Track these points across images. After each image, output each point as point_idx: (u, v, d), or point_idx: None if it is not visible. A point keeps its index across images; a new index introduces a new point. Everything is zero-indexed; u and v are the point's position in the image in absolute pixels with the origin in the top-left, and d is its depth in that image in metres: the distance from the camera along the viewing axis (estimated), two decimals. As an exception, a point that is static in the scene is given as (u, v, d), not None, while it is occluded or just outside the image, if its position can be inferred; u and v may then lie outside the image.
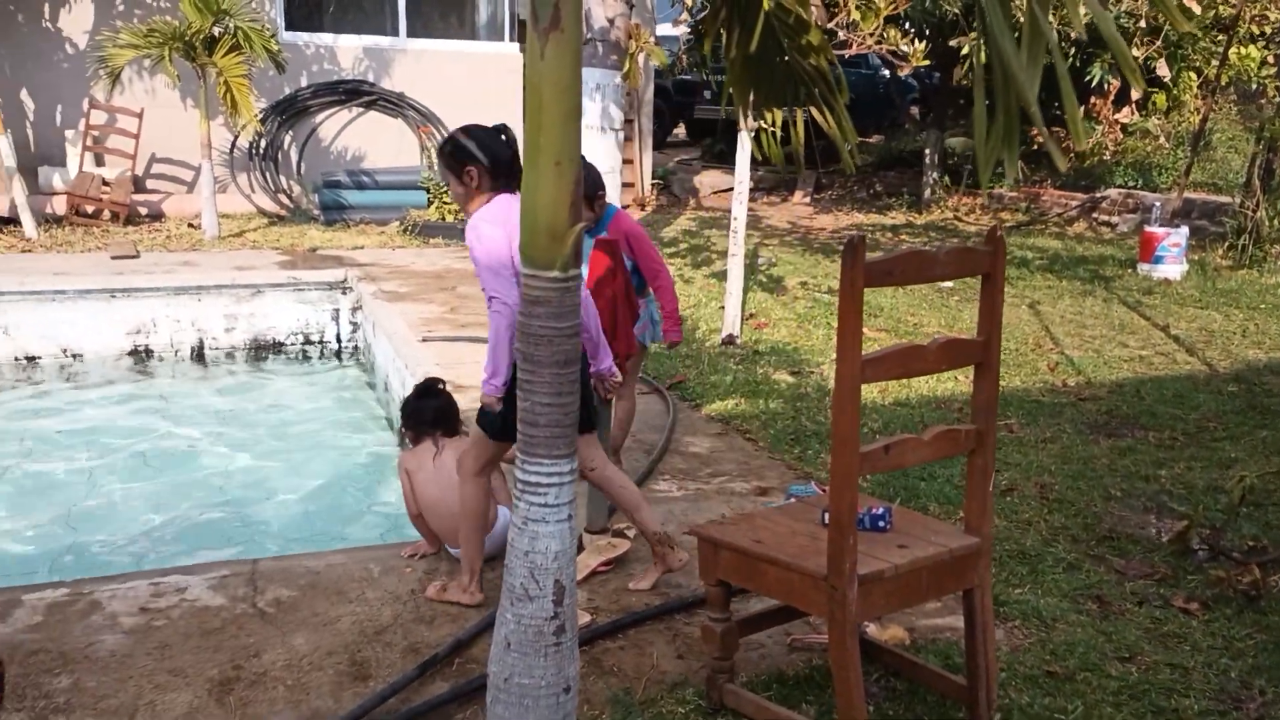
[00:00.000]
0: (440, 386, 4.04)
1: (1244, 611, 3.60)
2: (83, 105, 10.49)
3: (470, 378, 6.03)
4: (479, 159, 3.32)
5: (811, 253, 10.37)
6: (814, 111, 2.86)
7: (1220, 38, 11.81)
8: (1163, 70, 11.47)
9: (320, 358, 8.44)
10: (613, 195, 8.82)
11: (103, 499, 5.46)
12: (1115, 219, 11.91)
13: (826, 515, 2.69)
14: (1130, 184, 12.46)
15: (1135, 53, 11.33)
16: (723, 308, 6.99)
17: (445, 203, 10.48)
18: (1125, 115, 13.41)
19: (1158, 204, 9.98)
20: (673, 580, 3.75)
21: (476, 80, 11.69)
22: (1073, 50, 11.40)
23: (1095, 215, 12.14)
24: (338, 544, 4.69)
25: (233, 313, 8.33)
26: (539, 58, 2.03)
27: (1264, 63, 11.48)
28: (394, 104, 11.37)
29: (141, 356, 8.15)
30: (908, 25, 11.19)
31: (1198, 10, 9.02)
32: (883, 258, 2.52)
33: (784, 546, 2.81)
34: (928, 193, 13.10)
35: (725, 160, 6.84)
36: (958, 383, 6.23)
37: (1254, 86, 12.33)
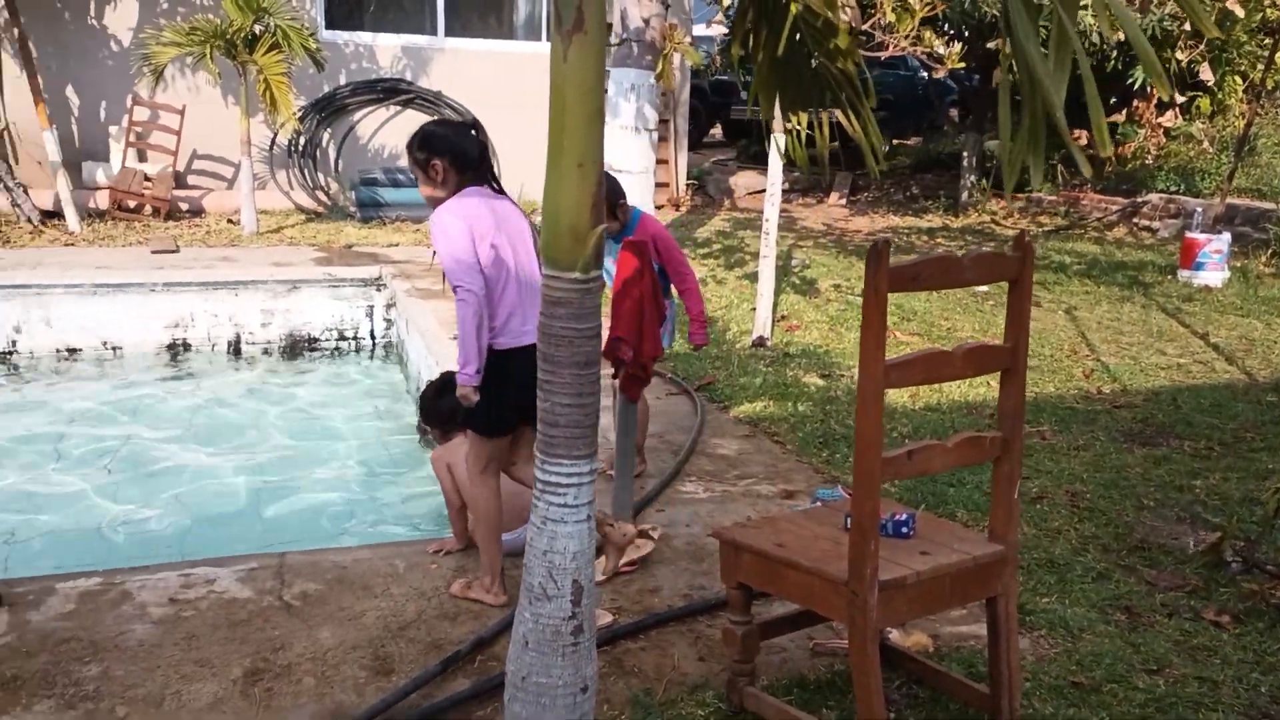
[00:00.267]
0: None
1: (1276, 626, 3.54)
2: (126, 102, 10.64)
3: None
4: (444, 154, 3.39)
5: (845, 255, 10.31)
6: (840, 115, 2.84)
7: (1267, 41, 11.61)
8: (1206, 74, 11.30)
9: (354, 353, 8.52)
10: (646, 195, 8.84)
11: (135, 490, 5.54)
12: (1156, 224, 11.74)
13: (850, 520, 2.68)
14: (1172, 189, 12.28)
15: (1179, 56, 11.18)
16: (754, 309, 6.97)
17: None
18: (1169, 119, 13.22)
19: (1199, 209, 9.82)
20: (696, 582, 3.75)
21: (513, 79, 11.72)
22: (1114, 53, 11.26)
23: (1136, 220, 11.98)
24: (365, 539, 4.74)
25: (269, 308, 8.42)
26: (562, 60, 2.04)
27: (1312, 67, 11.27)
28: (431, 102, 11.44)
29: (179, 350, 8.26)
30: (946, 27, 11.10)
31: (1241, 14, 8.87)
32: (908, 263, 2.50)
33: (806, 551, 2.80)
34: (965, 196, 12.98)
35: (762, 161, 6.83)
36: (989, 388, 6.17)
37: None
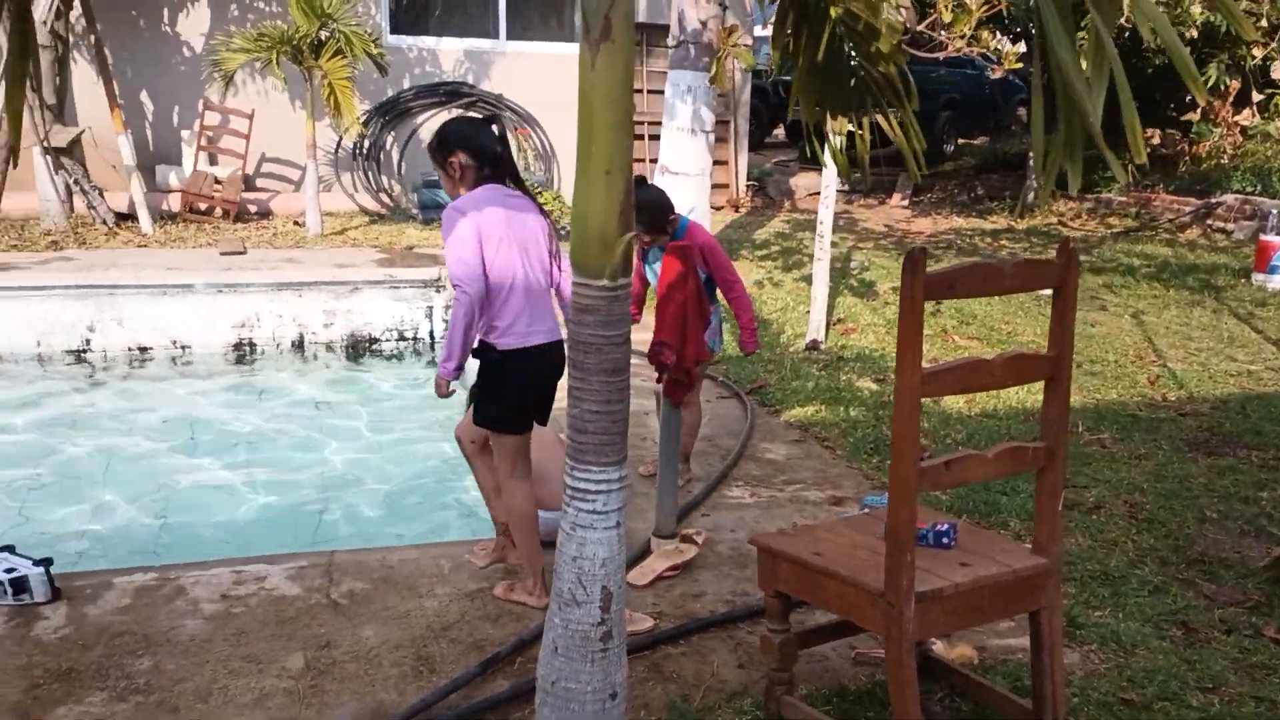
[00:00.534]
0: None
1: (1341, 645, 3.41)
2: (198, 106, 10.91)
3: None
4: (461, 150, 3.41)
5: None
6: (881, 119, 2.81)
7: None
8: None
9: (414, 354, 8.63)
10: (703, 198, 8.82)
11: (198, 486, 5.68)
12: (1231, 226, 11.39)
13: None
14: (1248, 189, 11.90)
15: (1255, 53, 10.83)
16: (809, 312, 6.91)
17: (541, 202, 10.59)
18: (1245, 118, 12.82)
19: (1275, 211, 9.51)
20: (739, 588, 3.74)
21: (572, 81, 11.75)
22: (1187, 50, 10.92)
23: (1210, 222, 11.64)
24: (419, 539, 4.80)
25: (331, 309, 8.57)
26: (590, 68, 2.04)
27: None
28: (492, 105, 11.55)
29: (245, 350, 8.45)
30: (1011, 25, 10.88)
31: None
32: (944, 270, 2.46)
33: (843, 560, 2.77)
34: (1031, 196, 12.73)
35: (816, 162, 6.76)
36: (1049, 394, 6.05)
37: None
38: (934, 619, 2.61)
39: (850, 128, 2.89)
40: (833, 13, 2.68)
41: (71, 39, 10.14)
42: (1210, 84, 11.74)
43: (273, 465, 5.99)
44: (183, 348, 8.38)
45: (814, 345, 6.67)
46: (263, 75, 10.83)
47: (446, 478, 5.82)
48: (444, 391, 3.47)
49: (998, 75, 9.09)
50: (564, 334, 3.60)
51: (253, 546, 4.71)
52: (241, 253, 9.26)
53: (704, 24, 8.07)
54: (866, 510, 3.96)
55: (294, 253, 9.43)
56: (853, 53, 2.81)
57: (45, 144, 9.56)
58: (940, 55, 6.92)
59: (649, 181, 4.33)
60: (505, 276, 3.39)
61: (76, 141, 9.88)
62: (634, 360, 4.31)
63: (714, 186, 12.72)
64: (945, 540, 2.83)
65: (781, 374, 6.19)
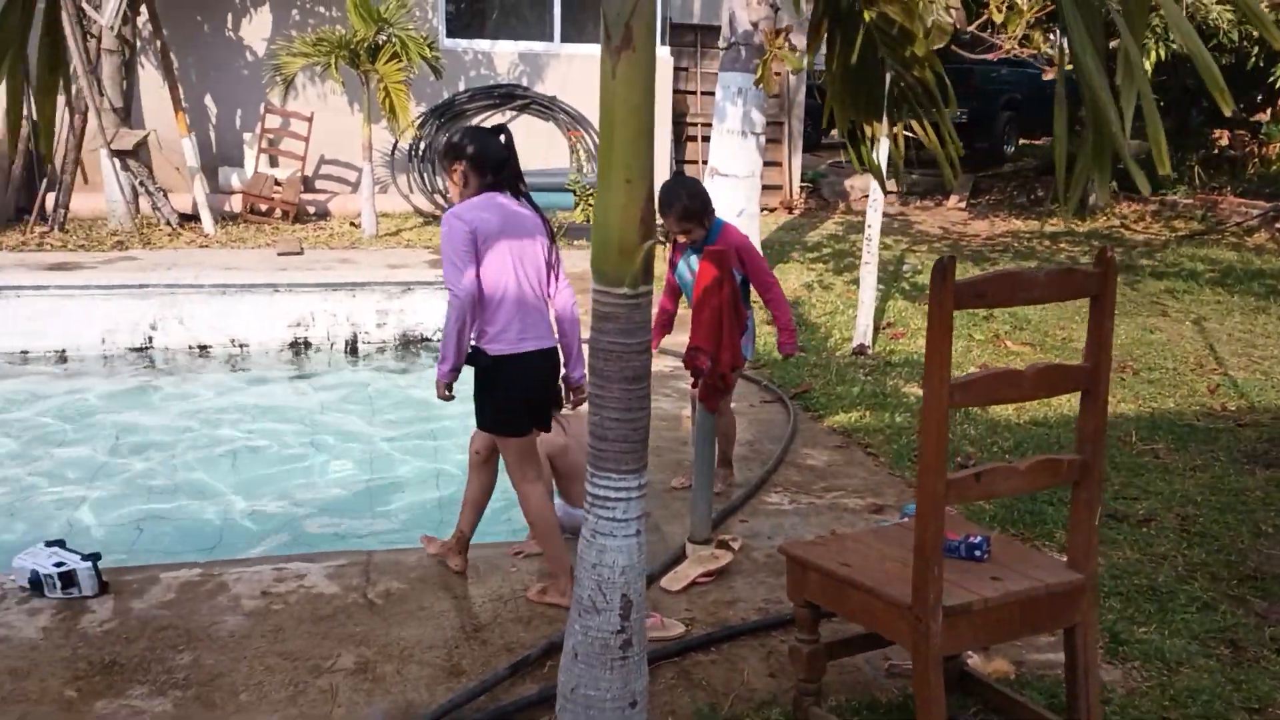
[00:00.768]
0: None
1: (1397, 668, 3.29)
2: (259, 110, 11.13)
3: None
4: (463, 158, 3.49)
5: (961, 260, 9.98)
6: (915, 125, 2.77)
7: None
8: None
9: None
10: (752, 200, 8.78)
11: (248, 482, 5.78)
12: (1302, 229, 11.07)
13: (915, 542, 2.60)
14: (1322, 192, 11.55)
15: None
16: (857, 316, 6.84)
17: (590, 205, 10.64)
18: (1319, 117, 12.43)
19: (1349, 214, 9.21)
20: (774, 596, 3.71)
21: (628, 84, 11.80)
22: (1255, 50, 10.64)
23: (1279, 225, 11.31)
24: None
25: (384, 309, 8.68)
26: (611, 76, 2.04)
27: None
28: (546, 107, 11.62)
29: (301, 348, 8.59)
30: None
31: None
32: (973, 279, 2.43)
33: (871, 571, 2.74)
34: (1093, 199, 12.46)
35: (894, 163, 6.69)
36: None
37: None
38: (961, 634, 2.57)
39: (896, 131, 2.85)
40: (866, 16, 2.65)
41: (139, 44, 10.40)
42: (1278, 85, 11.39)
43: (321, 463, 6.08)
44: (240, 346, 8.54)
45: (861, 350, 6.60)
46: (321, 79, 11.01)
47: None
48: (443, 394, 3.56)
49: (1049, 77, 8.90)
50: (556, 342, 3.63)
51: (300, 543, 4.80)
52: (298, 253, 9.42)
53: (755, 25, 8.03)
54: (905, 519, 3.90)
55: (349, 253, 9.57)
56: (887, 57, 2.77)
57: (111, 147, 9.80)
58: (991, 56, 6.80)
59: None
60: (498, 282, 3.45)
61: (142, 144, 10.13)
62: (673, 367, 4.24)
63: (767, 188, 12.67)
64: (977, 553, 2.78)
65: (826, 378, 6.13)
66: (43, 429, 6.59)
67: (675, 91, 12.44)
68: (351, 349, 8.62)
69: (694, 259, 4.20)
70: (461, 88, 11.69)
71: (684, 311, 4.48)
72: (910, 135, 3.06)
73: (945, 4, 4.84)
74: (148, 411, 6.98)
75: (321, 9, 11.36)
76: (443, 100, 11.56)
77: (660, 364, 6.18)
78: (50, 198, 10.08)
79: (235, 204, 10.92)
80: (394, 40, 9.64)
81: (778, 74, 10.96)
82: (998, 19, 6.04)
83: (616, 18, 2.00)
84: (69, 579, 3.53)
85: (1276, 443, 5.32)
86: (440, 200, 11.55)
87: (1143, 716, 3.04)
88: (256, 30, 11.32)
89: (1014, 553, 2.85)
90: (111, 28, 9.62)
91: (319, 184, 11.71)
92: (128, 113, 10.10)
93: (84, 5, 9.59)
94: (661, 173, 12.13)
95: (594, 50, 12.06)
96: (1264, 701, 3.11)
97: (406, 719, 2.97)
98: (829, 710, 3.02)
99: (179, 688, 3.10)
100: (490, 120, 11.75)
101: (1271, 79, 11.17)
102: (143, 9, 10.00)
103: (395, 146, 11.38)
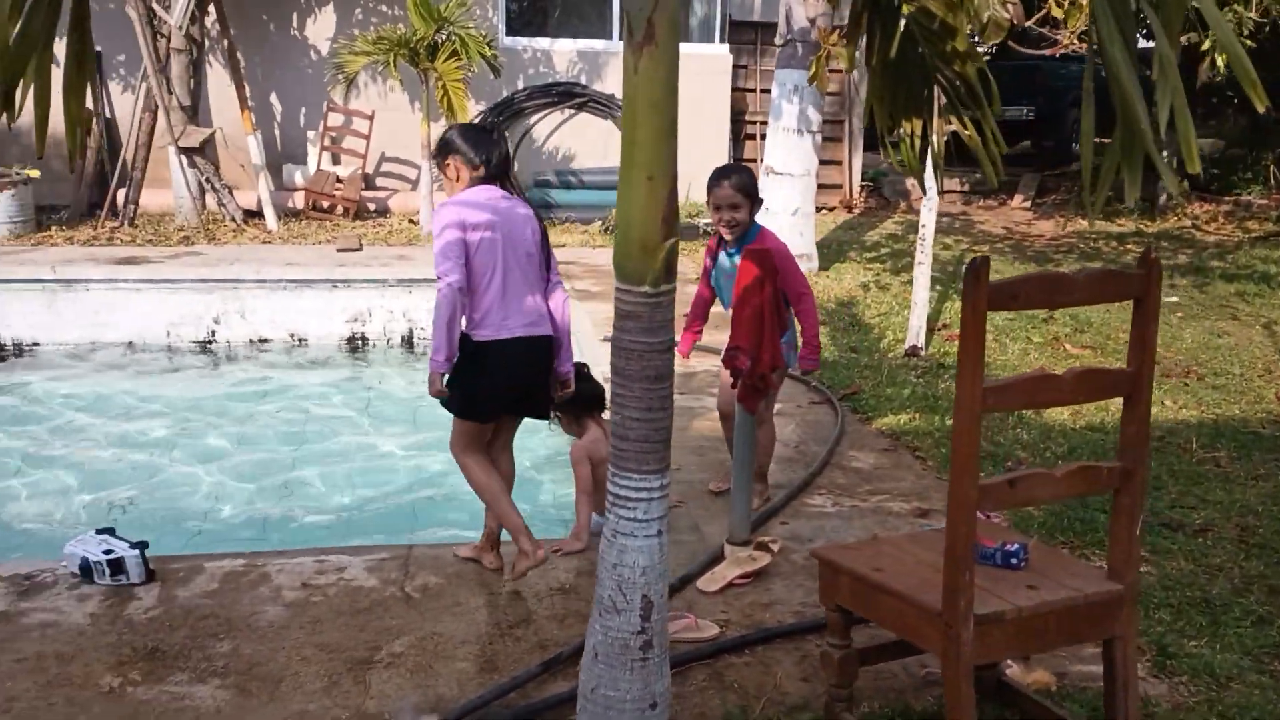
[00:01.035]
0: (586, 370, 4.16)
1: None
2: (322, 108, 11.30)
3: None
4: (456, 154, 3.58)
5: (1024, 261, 9.84)
6: (955, 121, 2.71)
7: None
8: None
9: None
10: (808, 199, 8.70)
11: (298, 475, 5.88)
12: (1385, 231, 10.65)
13: (948, 548, 2.55)
14: (1407, 192, 11.10)
15: None
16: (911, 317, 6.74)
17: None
18: (1406, 114, 11.94)
19: None
20: (812, 599, 3.66)
21: (686, 82, 11.72)
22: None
23: (1361, 226, 10.90)
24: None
25: (439, 305, 8.75)
26: (633, 71, 2.03)
27: None
28: (604, 105, 11.63)
29: (358, 343, 8.71)
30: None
31: None
32: (1008, 280, 2.37)
33: (904, 577, 2.69)
34: (1164, 198, 12.14)
35: (945, 162, 6.47)
36: (1163, 408, 5.76)
37: None
38: (994, 643, 2.51)
39: (940, 129, 2.79)
40: (905, 9, 2.59)
41: (207, 43, 10.63)
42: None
43: (370, 458, 6.16)
44: (299, 340, 8.70)
45: (913, 351, 6.50)
46: (383, 78, 11.15)
47: (528, 474, 5.87)
48: (437, 385, 3.59)
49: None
50: (551, 331, 3.68)
51: (340, 538, 4.87)
52: (357, 249, 9.56)
53: (812, 22, 7.96)
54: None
55: (407, 250, 9.68)
56: (927, 52, 2.71)
57: (178, 144, 10.03)
58: (1050, 52, 6.64)
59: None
60: (484, 270, 3.53)
61: (208, 141, 10.35)
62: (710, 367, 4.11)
63: (827, 187, 12.56)
64: (1014, 561, 2.71)
65: (877, 380, 6.05)
66: (107, 418, 6.77)
67: (734, 89, 12.38)
68: (408, 344, 8.73)
69: (728, 261, 4.14)
70: (520, 86, 11.76)
71: (717, 310, 4.45)
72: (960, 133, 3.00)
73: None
74: (207, 404, 7.13)
75: (384, 8, 11.51)
76: (501, 98, 11.64)
77: (710, 363, 6.15)
78: (121, 194, 10.36)
79: (298, 201, 11.11)
80: (453, 39, 9.72)
81: (834, 71, 10.84)
82: (1058, 14, 5.89)
83: (639, 12, 1.98)
84: (117, 566, 3.61)
85: (1346, 452, 5.13)
86: (498, 198, 11.63)
87: (1188, 733, 2.94)
88: (321, 29, 11.50)
89: (1053, 561, 2.77)
90: (180, 27, 9.85)
91: (379, 181, 11.86)
92: (195, 111, 10.33)
93: (154, 5, 9.82)
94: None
95: (653, 48, 12.09)
96: (1319, 722, 3.00)
97: (436, 712, 2.99)
98: (860, 717, 2.98)
99: (217, 675, 3.16)
100: (550, 119, 11.81)
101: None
102: (211, 9, 10.22)
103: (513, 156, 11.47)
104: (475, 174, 3.59)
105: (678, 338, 4.12)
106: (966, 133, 2.69)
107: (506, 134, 11.66)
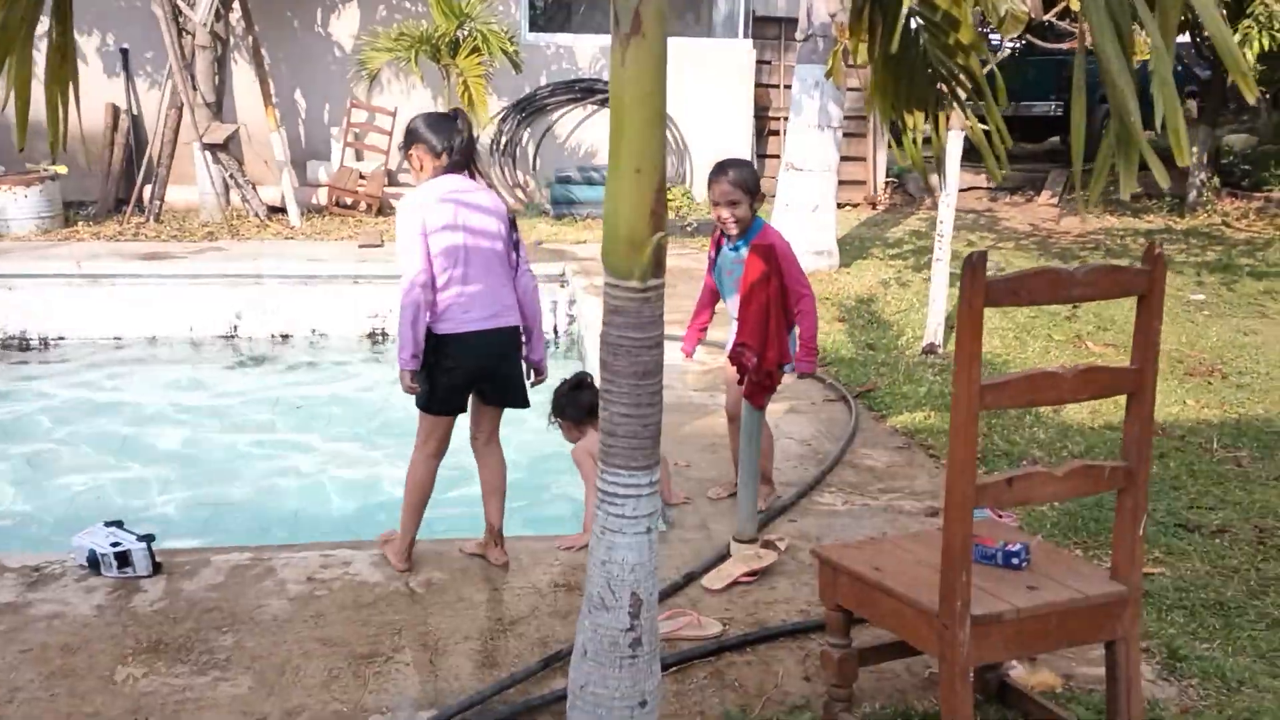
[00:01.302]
0: (589, 380, 4.16)
1: None
2: (346, 104, 11.35)
3: (666, 376, 6.07)
4: (419, 143, 3.59)
5: (1048, 258, 9.72)
6: (957, 115, 2.66)
7: None
8: None
9: (539, 345, 8.73)
10: (829, 195, 8.63)
11: (314, 468, 5.91)
12: None
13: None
14: None
15: None
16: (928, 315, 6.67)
17: (669, 200, 10.60)
18: None
19: None
20: (817, 599, 3.62)
21: (710, 77, 11.73)
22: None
23: (1397, 223, 10.69)
24: (516, 529, 4.85)
25: (459, 301, 8.76)
26: (620, 63, 2.00)
27: None
28: (627, 101, 11.59)
29: (378, 338, 8.74)
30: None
31: None
32: (1007, 276, 2.32)
33: (902, 576, 2.65)
34: (1194, 195, 11.96)
35: (971, 158, 6.37)
36: (1185, 407, 5.67)
37: None
38: (991, 644, 2.47)
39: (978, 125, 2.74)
40: (905, 1, 2.55)
41: (232, 40, 10.71)
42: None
43: (388, 451, 6.17)
44: (320, 335, 8.74)
45: (931, 349, 6.43)
46: (406, 74, 11.19)
47: (544, 471, 5.87)
48: (407, 382, 3.64)
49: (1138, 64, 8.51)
50: (519, 320, 3.70)
51: (358, 530, 4.87)
52: (378, 245, 9.59)
53: (833, 16, 7.89)
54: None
55: (427, 246, 9.70)
56: (929, 44, 2.67)
57: (202, 140, 10.11)
58: (1066, 46, 6.55)
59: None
60: (445, 264, 3.54)
61: (232, 138, 10.42)
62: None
63: (851, 183, 12.47)
64: (1015, 560, 2.67)
65: (893, 377, 5.99)
66: (125, 412, 6.83)
67: (757, 85, 12.31)
68: (427, 340, 8.74)
69: (730, 254, 4.08)
70: (543, 82, 11.75)
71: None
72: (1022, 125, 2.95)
73: (1020, -9, 4.67)
74: (227, 397, 7.18)
75: (408, 4, 11.53)
76: (524, 95, 11.64)
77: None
78: (147, 190, 10.46)
79: (322, 197, 11.16)
80: (475, 34, 9.73)
81: (857, 67, 10.76)
82: (1075, 6, 5.80)
83: (625, 3, 1.96)
84: (124, 559, 3.63)
85: (1373, 453, 5.02)
86: (521, 194, 11.64)
87: (1197, 738, 2.89)
88: (344, 26, 11.54)
89: (1056, 561, 2.73)
90: (205, 24, 9.92)
91: (402, 178, 11.89)
92: (220, 107, 10.40)
93: (179, 3, 9.90)
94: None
95: (675, 44, 11.98)
96: (1332, 728, 2.93)
97: (435, 708, 2.98)
98: (861, 717, 2.95)
99: (218, 668, 3.17)
100: (572, 115, 11.80)
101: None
102: (236, 6, 10.29)
103: (476, 141, 11.49)
104: (438, 162, 3.60)
105: (679, 333, 4.09)
106: (969, 126, 2.64)
107: (528, 131, 11.72)
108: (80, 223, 10.09)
